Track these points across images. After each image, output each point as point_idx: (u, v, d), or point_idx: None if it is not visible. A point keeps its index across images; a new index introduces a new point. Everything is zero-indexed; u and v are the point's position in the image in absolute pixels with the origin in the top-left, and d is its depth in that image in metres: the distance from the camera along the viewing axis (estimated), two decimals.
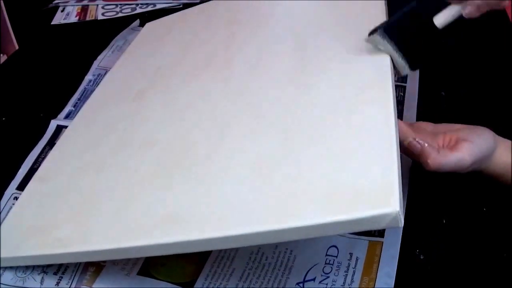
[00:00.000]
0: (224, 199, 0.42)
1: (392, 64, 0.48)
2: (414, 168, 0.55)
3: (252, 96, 0.53)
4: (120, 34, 0.85)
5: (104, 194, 0.50)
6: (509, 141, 0.51)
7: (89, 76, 0.76)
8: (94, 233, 0.47)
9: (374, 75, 0.47)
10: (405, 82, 0.68)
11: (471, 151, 0.47)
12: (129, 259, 0.51)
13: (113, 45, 0.82)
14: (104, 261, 0.51)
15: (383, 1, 0.60)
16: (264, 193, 0.40)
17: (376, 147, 0.39)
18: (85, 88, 0.74)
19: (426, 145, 0.47)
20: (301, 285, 0.48)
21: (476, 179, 0.53)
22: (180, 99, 0.59)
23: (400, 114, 0.64)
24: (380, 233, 0.50)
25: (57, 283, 0.50)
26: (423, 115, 0.63)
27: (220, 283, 0.49)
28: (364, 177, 0.37)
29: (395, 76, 0.63)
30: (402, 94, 0.67)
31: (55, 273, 0.51)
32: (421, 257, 0.48)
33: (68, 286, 0.50)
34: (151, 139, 0.54)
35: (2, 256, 0.50)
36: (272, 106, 0.49)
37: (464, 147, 0.47)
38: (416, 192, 0.53)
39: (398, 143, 0.39)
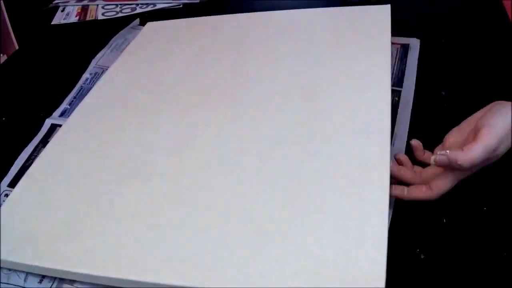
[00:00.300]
0: (220, 254, 0.44)
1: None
2: None
3: (257, 146, 0.54)
4: (120, 33, 0.84)
5: (96, 214, 0.51)
6: None
7: (86, 75, 0.75)
8: (81, 254, 0.47)
9: (374, 154, 0.49)
10: (401, 87, 0.67)
11: (491, 134, 0.46)
12: None
13: (112, 43, 0.82)
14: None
15: (389, 25, 0.63)
16: (260, 254, 0.43)
17: (369, 222, 0.43)
18: (81, 86, 0.73)
19: (448, 152, 0.46)
20: None
21: (476, 178, 0.52)
22: (184, 127, 0.59)
23: (393, 119, 0.62)
24: None
25: (40, 281, 0.49)
26: (421, 115, 0.62)
27: None
28: (354, 250, 0.41)
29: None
30: (396, 98, 0.65)
31: None
32: (422, 257, 0.48)
33: (50, 285, 0.49)
34: (150, 167, 0.55)
35: None
36: (275, 162, 0.51)
37: (483, 134, 0.46)
38: None
39: (389, 219, 0.44)
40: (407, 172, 0.52)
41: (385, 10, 0.69)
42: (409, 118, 0.62)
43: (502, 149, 0.47)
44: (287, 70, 0.63)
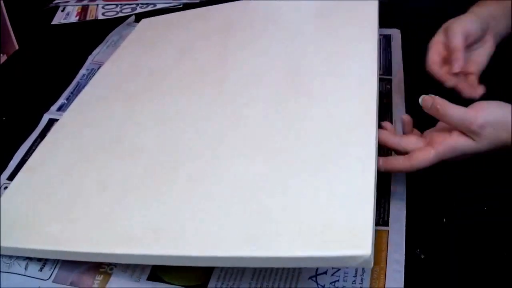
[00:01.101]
0: (204, 220, 0.43)
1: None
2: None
3: (243, 116, 0.53)
4: (115, 29, 0.85)
5: (91, 195, 0.50)
6: None
7: (83, 71, 0.76)
8: (79, 234, 0.47)
9: (360, 112, 0.47)
10: (390, 75, 0.68)
11: (479, 110, 0.46)
12: (137, 265, 0.50)
13: (108, 40, 0.82)
14: (111, 269, 0.50)
15: (376, 16, 0.62)
16: (245, 220, 0.41)
17: (355, 188, 0.40)
18: (78, 82, 0.74)
19: (436, 97, 0.48)
20: (314, 279, 0.47)
21: (476, 178, 0.52)
22: (172, 108, 0.59)
23: (389, 106, 0.63)
24: (385, 222, 0.50)
25: (40, 269, 0.50)
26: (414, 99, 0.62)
27: (233, 283, 0.47)
28: (341, 216, 0.39)
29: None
30: (388, 86, 0.66)
31: (39, 260, 0.50)
32: (422, 257, 0.47)
33: (50, 273, 0.49)
34: (139, 147, 0.54)
35: None
36: (261, 129, 0.50)
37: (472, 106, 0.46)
38: (416, 191, 0.52)
39: (375, 186, 0.40)
40: (390, 137, 0.50)
41: (373, 4, 0.67)
42: (404, 103, 0.63)
43: (486, 133, 0.45)
44: (273, 56, 0.62)
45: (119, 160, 0.53)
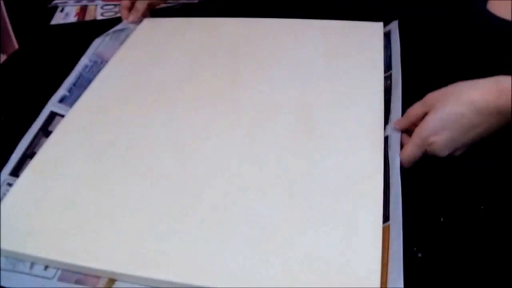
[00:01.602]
0: (218, 253, 0.44)
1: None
2: (411, 167, 0.52)
3: (259, 152, 0.54)
4: (115, 27, 0.80)
5: (102, 208, 0.50)
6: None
7: (85, 60, 0.71)
8: (98, 251, 0.46)
9: (369, 164, 0.52)
10: (390, 70, 0.64)
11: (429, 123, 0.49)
12: None
13: (109, 32, 0.78)
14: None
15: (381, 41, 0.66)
16: (256, 255, 0.44)
17: (364, 223, 0.46)
18: (80, 73, 0.69)
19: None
20: None
21: (474, 177, 0.51)
22: (186, 130, 0.58)
23: (388, 99, 0.60)
24: (386, 217, 0.47)
25: (45, 268, 0.46)
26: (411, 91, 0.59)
27: None
28: (349, 251, 0.44)
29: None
30: (389, 82, 0.62)
31: None
32: (419, 255, 0.45)
33: (55, 272, 0.46)
34: (156, 165, 0.54)
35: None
36: (278, 169, 0.52)
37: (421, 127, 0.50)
38: (413, 190, 0.50)
39: (381, 234, 0.45)
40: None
41: (378, 27, 0.72)
42: (401, 94, 0.59)
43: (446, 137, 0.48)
44: (284, 83, 0.64)
45: (136, 178, 0.53)
